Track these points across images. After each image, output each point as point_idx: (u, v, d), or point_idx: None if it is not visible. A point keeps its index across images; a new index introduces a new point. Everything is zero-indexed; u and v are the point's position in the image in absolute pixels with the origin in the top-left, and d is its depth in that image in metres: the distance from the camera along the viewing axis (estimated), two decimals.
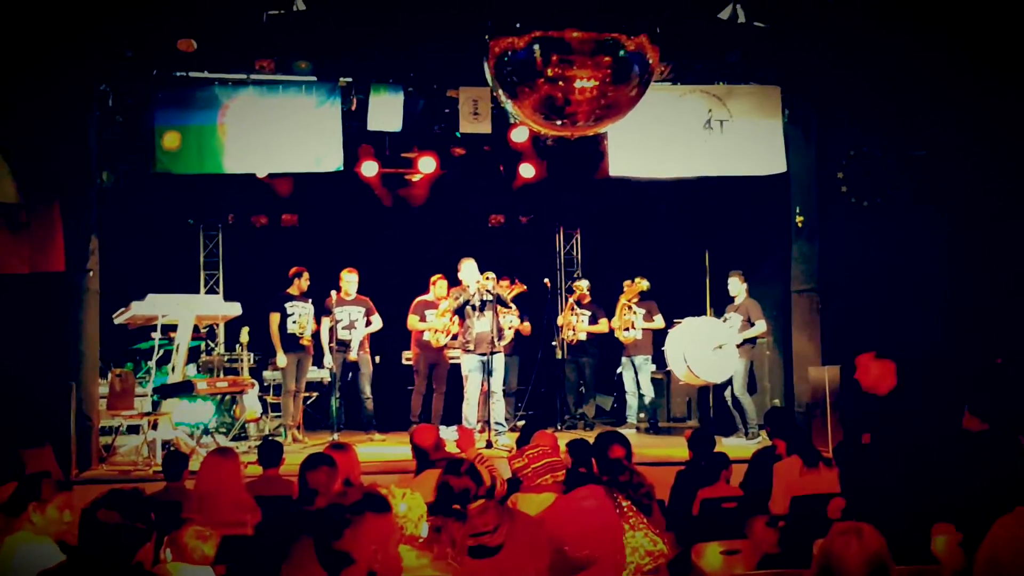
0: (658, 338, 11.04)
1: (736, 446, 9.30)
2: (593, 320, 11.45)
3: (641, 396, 11.07)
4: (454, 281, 10.34)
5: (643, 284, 10.99)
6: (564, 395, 11.63)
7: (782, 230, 10.26)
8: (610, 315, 11.27)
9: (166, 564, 4.13)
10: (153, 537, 3.35)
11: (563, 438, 6.52)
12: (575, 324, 11.39)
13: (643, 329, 11.03)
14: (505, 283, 10.29)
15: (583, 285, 11.60)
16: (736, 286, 10.24)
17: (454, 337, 10.63)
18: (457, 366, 10.37)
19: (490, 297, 9.68)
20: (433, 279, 10.99)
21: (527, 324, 11.16)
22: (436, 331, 10.71)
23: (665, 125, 9.77)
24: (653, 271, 11.29)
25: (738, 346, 9.97)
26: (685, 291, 12.17)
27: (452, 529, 3.77)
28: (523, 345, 11.59)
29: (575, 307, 11.47)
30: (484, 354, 9.72)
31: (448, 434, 8.08)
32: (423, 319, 10.83)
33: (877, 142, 9.73)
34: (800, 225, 9.98)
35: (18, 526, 4.16)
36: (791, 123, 10.02)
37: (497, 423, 9.68)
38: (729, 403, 10.21)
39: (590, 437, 6.21)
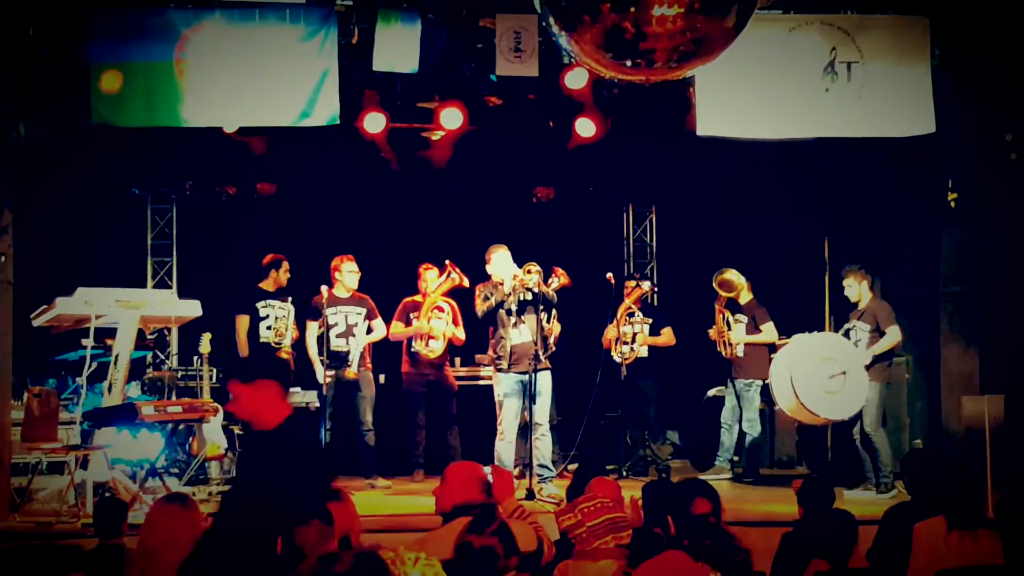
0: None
1: (863, 500, 9.27)
2: (654, 330, 11.41)
3: (742, 433, 11.02)
4: (482, 275, 10.29)
5: (732, 278, 10.91)
6: (626, 430, 11.60)
7: (928, 212, 10.19)
8: (677, 323, 11.18)
9: None
10: None
11: (628, 488, 6.52)
12: (630, 336, 11.25)
13: (746, 344, 10.96)
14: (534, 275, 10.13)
15: (644, 287, 11.49)
16: (855, 288, 10.17)
17: (457, 353, 10.55)
18: (466, 389, 10.30)
19: (531, 296, 9.63)
20: (420, 269, 10.97)
21: (555, 327, 10.53)
22: (425, 337, 10.71)
23: (772, 69, 9.74)
24: (751, 266, 11.22)
25: (867, 367, 9.88)
26: (797, 295, 12.10)
27: None
28: (555, 359, 10.64)
29: (632, 314, 11.35)
30: (524, 372, 9.67)
31: None
32: (409, 325, 10.86)
33: None
34: (953, 205, 9.89)
35: None
36: (943, 67, 9.94)
37: (542, 466, 9.65)
38: (857, 442, 10.04)
39: None
